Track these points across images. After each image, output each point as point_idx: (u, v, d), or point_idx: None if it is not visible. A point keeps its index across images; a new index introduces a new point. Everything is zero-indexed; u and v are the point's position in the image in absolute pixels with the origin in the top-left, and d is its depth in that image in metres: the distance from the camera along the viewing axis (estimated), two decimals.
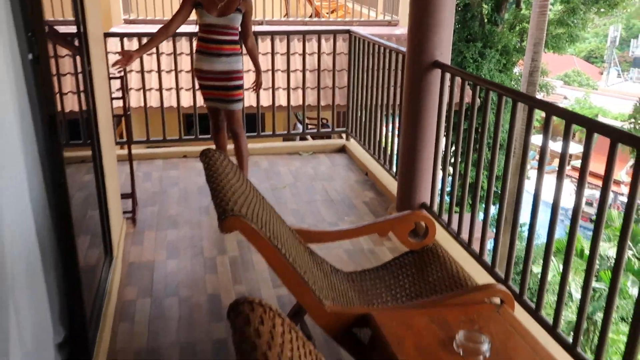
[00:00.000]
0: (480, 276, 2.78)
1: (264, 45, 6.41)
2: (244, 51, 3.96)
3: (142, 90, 4.91)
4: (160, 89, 4.76)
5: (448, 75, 3.31)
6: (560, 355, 2.21)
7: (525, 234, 2.67)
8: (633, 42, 41.17)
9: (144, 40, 4.51)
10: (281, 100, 6.10)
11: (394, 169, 4.18)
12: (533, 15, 9.99)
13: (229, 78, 3.83)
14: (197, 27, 3.84)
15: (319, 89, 5.08)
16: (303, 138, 6.10)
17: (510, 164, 2.92)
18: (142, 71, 4.72)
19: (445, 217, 3.41)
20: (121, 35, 4.71)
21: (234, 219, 1.67)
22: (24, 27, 1.88)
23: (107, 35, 4.38)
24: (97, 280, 2.73)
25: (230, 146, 4.14)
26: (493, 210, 8.68)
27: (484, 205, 3.11)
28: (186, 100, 5.40)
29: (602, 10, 19.05)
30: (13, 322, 1.76)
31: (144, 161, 4.73)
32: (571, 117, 2.32)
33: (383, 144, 4.50)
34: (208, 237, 3.49)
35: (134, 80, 7.23)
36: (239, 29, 3.83)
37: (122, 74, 3.58)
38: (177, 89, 4.78)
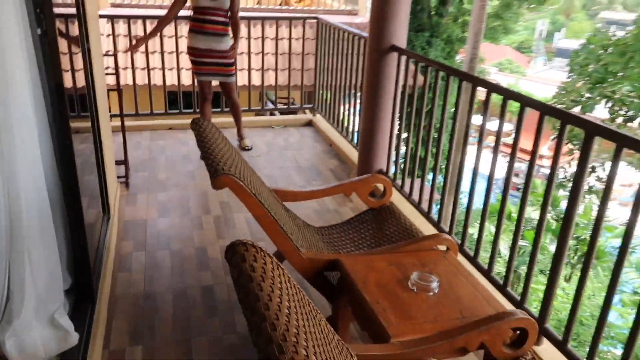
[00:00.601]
0: (429, 230, 2.90)
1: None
2: None
3: (130, 69, 4.80)
4: (147, 68, 4.67)
5: (404, 58, 3.37)
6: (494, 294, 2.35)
7: (466, 200, 2.78)
8: (556, 35, 42.03)
9: (132, 22, 4.41)
10: (254, 80, 6.05)
11: (355, 140, 4.26)
12: (474, 9, 10.10)
13: (225, 56, 3.98)
14: (192, 10, 3.88)
15: (289, 70, 5.07)
16: (273, 114, 6.10)
17: (455, 139, 3.03)
18: (130, 52, 4.61)
19: (399, 182, 3.51)
20: (112, 17, 4.58)
21: (225, 177, 1.71)
22: (33, 4, 1.84)
23: (100, 17, 4.26)
24: (97, 236, 2.73)
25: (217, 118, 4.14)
26: (440, 178, 8.91)
27: (432, 174, 3.22)
28: (169, 79, 5.33)
29: (532, 5, 19.30)
30: (28, 269, 1.78)
31: (134, 132, 4.66)
32: (508, 94, 2.41)
33: (345, 120, 4.56)
34: (194, 199, 3.50)
35: (121, 59, 7.03)
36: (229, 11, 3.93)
37: (115, 52, 3.51)
38: (163, 68, 4.70)
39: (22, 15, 1.72)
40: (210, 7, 3.84)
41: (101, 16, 4.38)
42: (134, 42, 4.07)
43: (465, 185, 2.89)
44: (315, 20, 4.85)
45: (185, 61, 4.89)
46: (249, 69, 4.92)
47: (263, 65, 4.92)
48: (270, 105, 8.49)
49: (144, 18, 4.54)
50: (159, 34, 4.19)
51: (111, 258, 2.73)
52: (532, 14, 29.48)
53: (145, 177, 3.79)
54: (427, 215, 3.12)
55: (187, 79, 6.36)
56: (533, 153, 2.23)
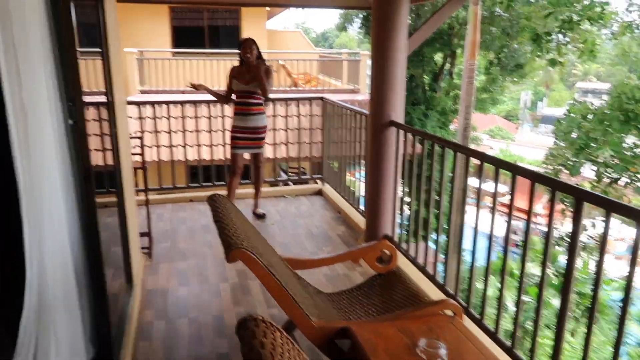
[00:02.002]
0: (434, 293, 2.79)
1: None
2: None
3: (155, 147, 4.90)
4: (170, 146, 4.77)
5: (402, 132, 3.40)
6: (502, 357, 2.22)
7: (469, 257, 2.71)
8: (539, 104, 42.96)
9: (157, 107, 4.56)
10: (267, 153, 6.17)
11: (362, 207, 4.23)
12: (463, 85, 10.34)
13: (257, 132, 4.18)
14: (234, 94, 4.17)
15: (299, 143, 5.15)
16: (286, 184, 6.13)
17: (453, 202, 2.99)
18: (155, 131, 4.74)
19: (404, 245, 3.43)
20: (139, 103, 4.73)
21: (238, 251, 1.67)
22: (66, 97, 1.89)
23: (129, 103, 4.41)
24: (120, 306, 2.66)
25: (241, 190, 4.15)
26: (444, 238, 8.76)
27: (435, 236, 3.16)
28: (191, 155, 5.43)
29: (515, 79, 19.76)
30: (53, 339, 1.71)
31: (157, 205, 4.68)
32: (499, 164, 2.39)
33: (352, 188, 4.56)
34: (212, 267, 3.44)
35: (147, 139, 7.22)
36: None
37: (140, 134, 3.58)
38: (185, 145, 4.78)
39: (55, 107, 1.77)
40: (245, 91, 4.09)
41: (129, 102, 4.53)
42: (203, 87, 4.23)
43: (467, 243, 2.82)
44: (321, 99, 4.98)
45: (205, 138, 5.02)
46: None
47: (275, 140, 5.01)
48: (283, 176, 8.59)
49: (167, 103, 4.68)
50: (214, 99, 4.38)
51: (133, 327, 2.64)
52: (516, 86, 30.27)
53: (167, 247, 3.75)
54: (432, 278, 3.02)
55: (206, 154, 6.48)
56: (528, 215, 2.18)
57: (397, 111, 3.48)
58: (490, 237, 2.46)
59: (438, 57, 18.28)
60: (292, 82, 11.11)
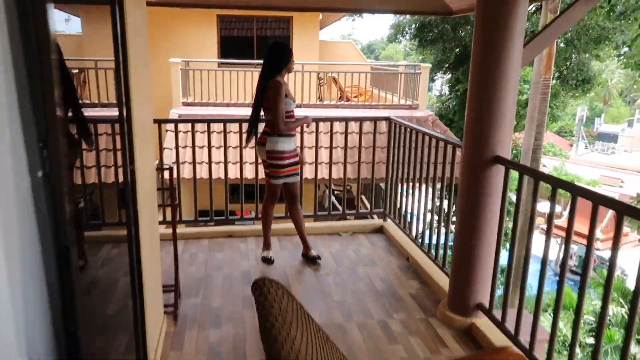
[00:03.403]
0: None
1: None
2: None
3: (193, 164, 4.13)
4: (209, 162, 3.99)
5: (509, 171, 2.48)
6: None
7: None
8: (597, 120, 40.53)
9: (197, 125, 3.82)
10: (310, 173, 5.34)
11: (436, 255, 3.31)
12: (532, 101, 9.16)
13: (297, 154, 3.50)
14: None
15: (359, 164, 4.28)
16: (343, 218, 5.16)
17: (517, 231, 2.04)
18: (193, 146, 3.96)
19: (499, 313, 2.48)
20: (176, 122, 4.01)
21: None
22: (36, 137, 1.13)
23: (159, 121, 3.67)
24: None
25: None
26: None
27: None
28: (232, 172, 4.69)
29: (576, 94, 18.27)
30: None
31: (191, 241, 3.92)
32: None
33: (421, 229, 3.64)
34: (251, 339, 2.60)
35: (187, 154, 6.57)
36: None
37: (170, 166, 2.81)
38: (225, 162, 3.99)
39: (15, 154, 1.00)
40: (292, 111, 3.38)
41: (162, 121, 3.77)
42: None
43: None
44: (388, 119, 4.09)
45: (248, 155, 4.23)
46: (316, 162, 4.21)
47: (331, 159, 4.16)
48: (335, 203, 7.69)
49: (208, 122, 3.93)
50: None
51: None
52: (571, 101, 28.33)
53: (197, 305, 2.95)
54: None
55: (250, 173, 5.74)
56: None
57: (505, 144, 2.56)
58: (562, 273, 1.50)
59: None
60: (343, 95, 10.26)
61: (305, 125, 3.52)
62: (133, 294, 2.09)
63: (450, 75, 16.60)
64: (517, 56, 2.49)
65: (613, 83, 37.62)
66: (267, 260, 3.55)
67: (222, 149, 4.17)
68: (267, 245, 3.63)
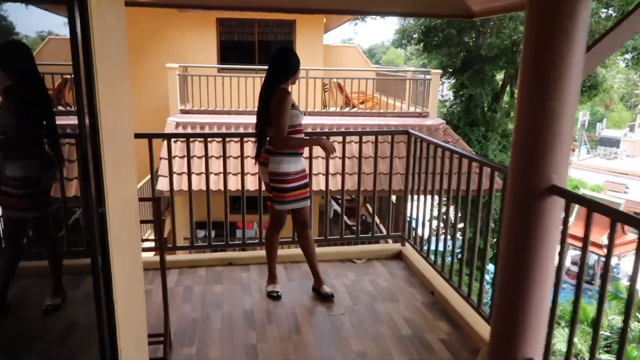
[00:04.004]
0: None
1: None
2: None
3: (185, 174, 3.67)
4: (206, 173, 3.49)
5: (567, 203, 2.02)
6: None
7: None
8: (598, 124, 40.26)
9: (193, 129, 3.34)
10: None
11: (469, 293, 2.85)
12: None
13: (306, 176, 3.00)
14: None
15: (375, 174, 3.82)
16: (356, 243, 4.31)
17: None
18: (187, 156, 3.50)
19: None
20: (169, 136, 3.54)
21: None
22: None
23: (143, 136, 3.11)
24: None
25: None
26: None
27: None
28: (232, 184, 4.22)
29: (582, 100, 17.90)
30: None
31: (187, 270, 3.45)
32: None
33: (447, 258, 3.18)
34: None
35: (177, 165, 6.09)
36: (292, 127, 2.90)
37: (158, 196, 2.35)
38: (225, 174, 3.52)
39: None
40: (300, 124, 2.90)
41: (146, 135, 3.26)
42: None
43: None
44: (407, 133, 3.63)
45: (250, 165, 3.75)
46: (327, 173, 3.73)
47: (344, 177, 3.70)
48: (333, 205, 7.25)
49: (206, 137, 3.46)
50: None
51: None
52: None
53: (191, 356, 2.48)
54: None
55: (252, 184, 5.29)
56: None
57: (561, 171, 2.10)
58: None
59: (499, 75, 16.66)
60: (348, 102, 9.81)
61: (321, 148, 2.87)
62: (101, 350, 1.62)
63: (455, 80, 16.19)
64: (579, 64, 2.04)
65: (615, 88, 37.39)
66: (273, 296, 3.09)
67: (221, 159, 3.69)
68: (272, 278, 3.17)
